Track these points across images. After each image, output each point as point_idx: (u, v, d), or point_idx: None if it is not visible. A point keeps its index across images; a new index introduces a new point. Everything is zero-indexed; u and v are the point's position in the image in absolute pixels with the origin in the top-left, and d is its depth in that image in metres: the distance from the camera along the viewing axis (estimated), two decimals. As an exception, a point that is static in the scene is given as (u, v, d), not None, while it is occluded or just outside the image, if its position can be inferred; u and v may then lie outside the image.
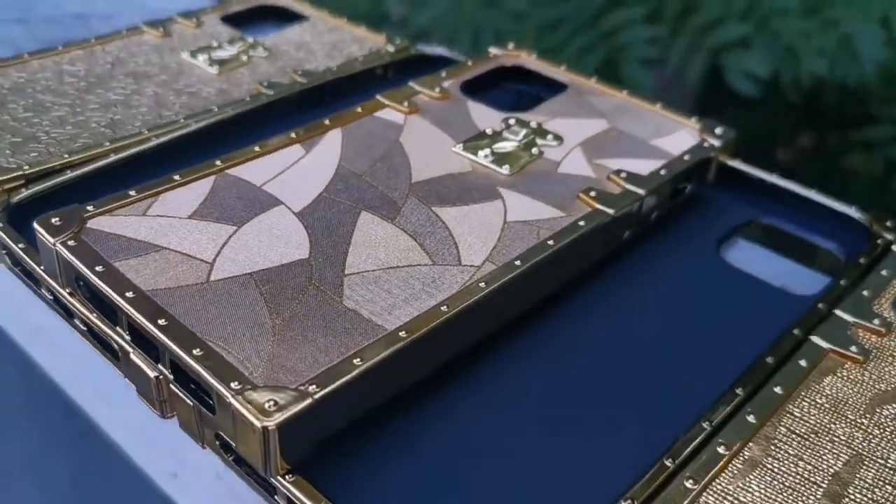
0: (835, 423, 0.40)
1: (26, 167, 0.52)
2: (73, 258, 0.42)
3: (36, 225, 0.44)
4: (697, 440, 0.39)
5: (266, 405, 0.35)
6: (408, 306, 0.41)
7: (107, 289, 0.41)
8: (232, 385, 0.36)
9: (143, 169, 0.54)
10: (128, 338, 0.41)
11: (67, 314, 0.46)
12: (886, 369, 0.43)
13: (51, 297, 0.47)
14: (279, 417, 0.35)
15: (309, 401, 0.36)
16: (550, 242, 0.46)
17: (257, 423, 0.35)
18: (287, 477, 0.37)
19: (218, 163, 0.50)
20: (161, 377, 0.40)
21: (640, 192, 0.50)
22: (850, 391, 0.42)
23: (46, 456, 0.81)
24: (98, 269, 0.42)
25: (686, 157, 0.53)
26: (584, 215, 0.48)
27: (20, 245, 0.47)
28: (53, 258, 0.43)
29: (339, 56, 0.69)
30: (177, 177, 0.49)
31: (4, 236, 0.48)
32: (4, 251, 0.49)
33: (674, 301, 0.49)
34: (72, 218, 0.44)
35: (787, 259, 0.55)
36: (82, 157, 0.54)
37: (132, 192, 0.47)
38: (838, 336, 0.45)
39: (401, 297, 0.42)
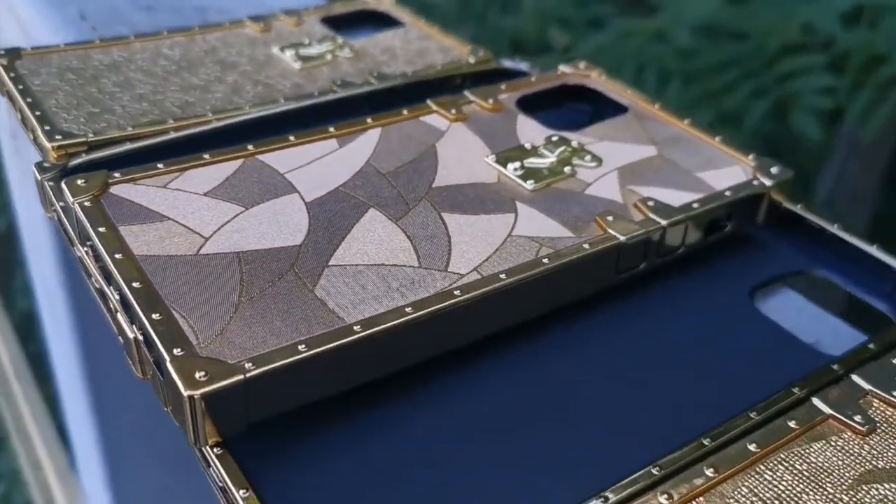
0: (808, 494, 0.36)
1: (91, 135, 0.56)
2: (83, 217, 0.45)
3: (62, 184, 0.47)
4: (639, 485, 0.36)
5: (197, 375, 0.36)
6: (376, 303, 0.41)
7: (101, 247, 0.43)
8: (174, 351, 0.37)
9: (198, 149, 0.56)
10: (117, 297, 0.43)
11: (87, 273, 0.49)
12: (891, 446, 0.39)
13: (78, 256, 0.50)
14: (205, 388, 0.36)
15: (240, 377, 0.36)
16: (545, 261, 0.44)
17: (183, 391, 0.36)
18: (214, 449, 0.37)
19: (250, 147, 0.52)
20: (136, 338, 0.42)
21: (662, 222, 0.47)
22: (839, 463, 0.38)
23: (154, 425, 0.86)
24: (101, 229, 0.44)
25: (727, 193, 0.50)
26: (591, 238, 0.46)
27: (60, 204, 0.51)
28: (73, 217, 0.47)
29: (419, 63, 0.70)
30: (206, 156, 0.51)
31: (52, 195, 0.52)
32: (53, 209, 0.53)
33: (683, 338, 0.46)
34: (96, 181, 0.48)
35: (832, 316, 0.50)
36: (144, 131, 0.57)
37: (160, 165, 0.50)
38: (844, 402, 0.40)
39: (372, 294, 0.42)
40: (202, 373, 0.36)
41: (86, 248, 0.47)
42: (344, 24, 0.77)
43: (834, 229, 0.52)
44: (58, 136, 0.55)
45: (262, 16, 0.75)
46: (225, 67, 0.67)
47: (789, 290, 0.52)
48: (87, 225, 0.44)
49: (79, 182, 0.47)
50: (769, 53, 1.68)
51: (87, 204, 0.46)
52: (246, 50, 0.70)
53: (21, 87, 0.61)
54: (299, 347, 0.38)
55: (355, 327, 0.39)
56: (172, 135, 0.58)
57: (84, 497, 1.56)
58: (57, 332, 1.31)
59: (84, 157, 0.55)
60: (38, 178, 0.53)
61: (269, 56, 0.70)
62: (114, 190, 0.48)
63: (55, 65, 0.65)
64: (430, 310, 0.41)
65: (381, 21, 0.79)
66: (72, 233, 0.49)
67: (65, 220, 0.50)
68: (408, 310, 0.40)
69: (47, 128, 0.56)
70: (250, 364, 0.37)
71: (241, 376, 0.36)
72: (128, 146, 0.56)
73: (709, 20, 1.81)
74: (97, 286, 0.48)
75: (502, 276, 0.43)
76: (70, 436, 1.54)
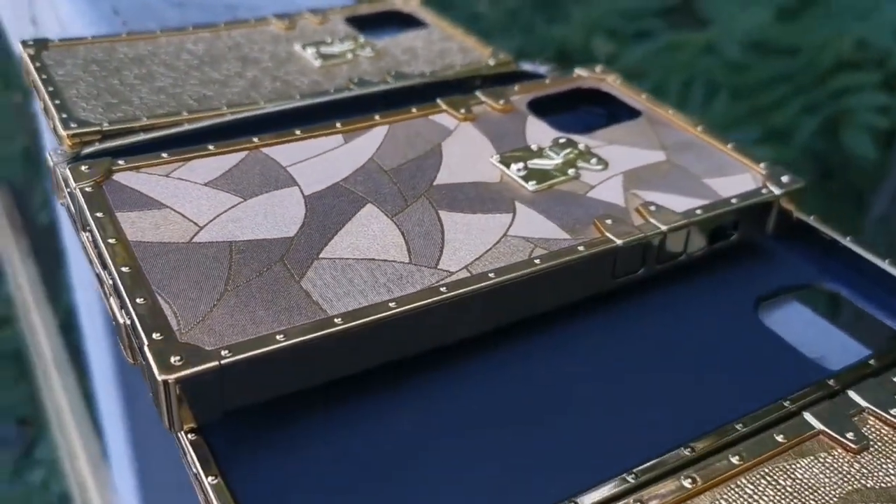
0: (789, 510, 0.35)
1: (106, 124, 0.57)
2: (83, 202, 0.46)
3: (66, 169, 0.48)
4: (612, 491, 0.35)
5: (172, 359, 0.36)
6: (360, 297, 0.41)
7: (96, 231, 0.44)
8: (154, 335, 0.37)
9: (210, 141, 0.57)
10: (110, 282, 0.44)
11: (89, 259, 0.50)
12: (882, 465, 0.37)
13: (81, 242, 0.51)
14: (179, 373, 0.36)
15: (214, 363, 0.36)
16: (537, 261, 0.44)
17: (157, 375, 0.36)
18: (189, 435, 0.37)
19: (255, 140, 0.52)
20: (125, 323, 0.42)
21: (662, 227, 0.46)
22: (827, 480, 0.36)
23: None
24: (98, 214, 0.45)
25: (733, 201, 0.49)
26: (586, 241, 0.45)
27: (68, 190, 0.51)
28: (75, 202, 0.47)
29: (439, 63, 0.69)
30: (211, 147, 0.51)
31: (62, 181, 0.53)
32: (63, 196, 0.54)
33: (680, 345, 0.45)
34: (100, 168, 0.48)
35: (840, 331, 0.48)
36: (158, 122, 0.58)
37: (164, 155, 0.50)
38: (836, 418, 0.39)
39: (358, 288, 0.41)
40: (177, 357, 0.36)
41: (86, 234, 0.48)
42: (369, 24, 0.77)
43: (846, 242, 0.50)
44: (73, 125, 0.56)
45: (288, 14, 0.76)
46: (246, 63, 0.68)
47: (797, 302, 0.50)
48: (86, 209, 0.45)
49: (83, 168, 0.48)
50: (821, 69, 1.64)
51: (88, 189, 0.47)
52: (268, 47, 0.71)
53: (44, 76, 0.62)
54: (277, 337, 0.38)
55: (336, 319, 0.39)
56: (186, 126, 0.58)
57: (114, 487, 1.59)
58: (92, 325, 1.34)
59: (97, 146, 0.56)
60: (51, 164, 0.54)
61: (290, 53, 0.70)
62: (117, 177, 0.48)
63: (81, 56, 0.66)
64: (413, 305, 0.40)
65: (406, 22, 0.79)
66: (77, 219, 0.49)
67: (71, 206, 0.51)
68: (391, 304, 0.40)
69: (64, 116, 0.57)
70: (227, 351, 0.37)
71: (217, 363, 0.36)
72: (141, 136, 0.57)
73: (759, 34, 1.77)
74: (96, 272, 0.48)
75: (491, 274, 0.42)
76: (103, 428, 1.56)
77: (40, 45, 0.66)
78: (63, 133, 0.56)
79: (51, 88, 0.61)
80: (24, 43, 0.66)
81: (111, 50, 0.68)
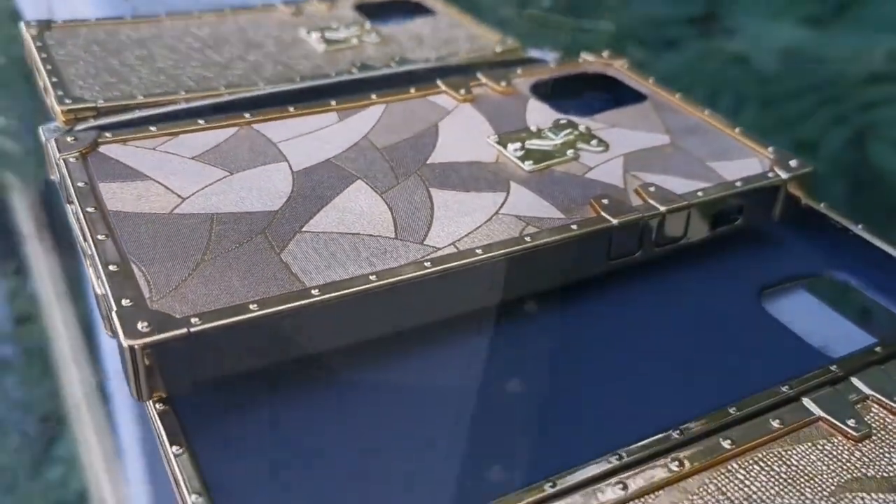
0: (783, 497, 0.33)
1: (101, 101, 0.56)
2: (66, 172, 0.45)
3: (52, 140, 0.47)
4: (593, 472, 0.33)
5: (140, 325, 0.35)
6: (341, 269, 0.39)
7: (76, 200, 0.43)
8: (123, 302, 0.36)
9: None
10: (90, 252, 0.43)
11: (74, 233, 0.49)
12: (885, 454, 0.35)
13: (69, 215, 0.50)
14: (145, 339, 0.34)
15: (182, 331, 0.35)
16: (528, 240, 0.42)
17: (123, 341, 0.35)
18: (157, 405, 0.36)
19: (246, 115, 0.51)
20: (101, 294, 0.41)
21: (660, 208, 0.44)
22: (824, 468, 0.34)
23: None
24: (80, 184, 0.44)
25: (737, 184, 0.47)
26: (580, 220, 0.43)
27: (55, 162, 0.51)
28: (60, 172, 0.46)
29: (445, 50, 0.68)
30: (201, 122, 0.50)
31: (52, 153, 0.52)
32: (55, 172, 0.53)
33: (677, 329, 0.43)
34: (86, 140, 0.47)
35: (847, 320, 0.46)
36: (153, 100, 0.57)
37: (153, 128, 0.49)
38: (837, 405, 0.37)
39: (339, 261, 0.40)
40: (145, 324, 0.35)
41: (71, 206, 0.47)
42: (378, 11, 0.76)
43: (858, 230, 0.48)
44: (68, 101, 0.56)
45: (296, 0, 0.75)
46: (249, 47, 0.67)
47: (804, 291, 0.48)
48: (68, 179, 0.44)
49: (68, 139, 0.47)
50: (851, 81, 1.61)
51: (72, 160, 0.46)
52: (273, 32, 0.70)
53: (45, 55, 0.62)
54: (251, 307, 0.36)
55: (313, 290, 0.38)
56: (182, 105, 0.57)
57: (127, 483, 1.58)
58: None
59: (91, 122, 0.55)
60: (43, 139, 0.53)
61: (295, 38, 0.69)
62: (103, 149, 0.47)
63: (83, 37, 0.66)
64: (395, 279, 0.39)
65: (415, 9, 0.77)
66: (63, 190, 0.49)
67: (59, 179, 0.50)
68: (372, 277, 0.39)
69: (60, 93, 0.57)
70: (197, 319, 0.35)
71: (185, 330, 0.35)
72: (136, 114, 0.56)
73: (788, 44, 1.74)
74: (79, 243, 0.47)
75: (479, 251, 0.41)
76: (116, 423, 1.56)
77: (43, 25, 0.66)
78: (58, 109, 0.55)
79: (49, 67, 0.60)
80: (27, 23, 0.66)
81: (114, 32, 0.67)
